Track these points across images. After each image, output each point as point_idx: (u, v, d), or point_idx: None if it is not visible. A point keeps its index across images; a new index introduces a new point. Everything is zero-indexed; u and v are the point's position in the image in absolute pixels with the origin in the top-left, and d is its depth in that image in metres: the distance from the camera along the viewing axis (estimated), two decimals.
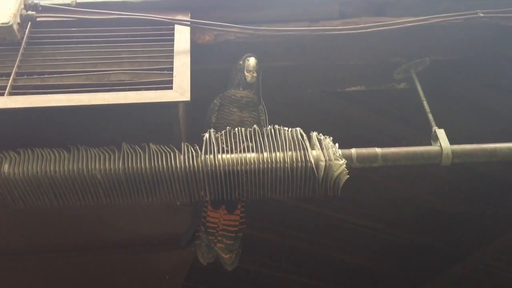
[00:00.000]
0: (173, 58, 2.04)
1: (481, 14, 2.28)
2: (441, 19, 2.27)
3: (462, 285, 4.47)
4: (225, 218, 2.31)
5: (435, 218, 3.88)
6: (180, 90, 1.90)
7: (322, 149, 1.98)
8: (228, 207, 2.29)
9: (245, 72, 2.24)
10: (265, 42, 2.28)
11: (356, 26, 2.26)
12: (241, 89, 2.26)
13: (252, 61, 2.23)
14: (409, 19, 2.27)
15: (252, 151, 1.98)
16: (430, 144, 2.23)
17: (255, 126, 2.06)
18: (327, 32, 2.24)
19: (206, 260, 2.33)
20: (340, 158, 1.97)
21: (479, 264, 4.17)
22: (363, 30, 2.23)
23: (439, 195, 3.64)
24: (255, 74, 2.24)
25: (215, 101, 2.27)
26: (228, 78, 2.32)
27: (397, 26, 2.25)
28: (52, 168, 1.88)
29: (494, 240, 3.82)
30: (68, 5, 2.20)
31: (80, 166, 1.89)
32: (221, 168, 1.94)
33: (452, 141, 2.17)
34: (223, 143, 2.00)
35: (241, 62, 2.26)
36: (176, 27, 2.17)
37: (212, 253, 2.32)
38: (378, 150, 2.08)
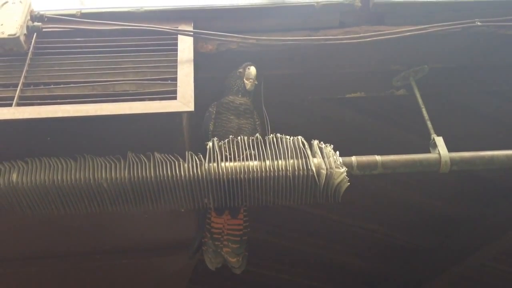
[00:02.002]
0: (176, 68, 2.07)
1: (478, 23, 2.31)
2: (439, 28, 2.30)
3: (461, 285, 4.51)
4: (229, 223, 2.36)
5: (435, 220, 3.91)
6: (184, 100, 1.93)
7: (323, 157, 2.02)
8: (231, 212, 2.34)
9: (244, 80, 2.29)
10: (267, 51, 2.32)
11: (356, 35, 2.29)
12: (240, 96, 2.30)
13: (253, 69, 2.28)
14: (408, 28, 2.31)
15: (255, 159, 2.01)
16: (429, 150, 2.27)
17: (257, 134, 2.09)
18: (327, 42, 2.27)
19: (214, 265, 2.37)
20: (341, 166, 2.00)
21: (478, 265, 4.21)
22: (363, 40, 2.26)
23: (438, 197, 3.67)
24: (256, 82, 2.29)
25: (210, 109, 2.31)
26: (224, 85, 2.36)
27: (396, 35, 2.28)
28: (59, 177, 1.92)
29: (492, 241, 3.85)
30: (73, 15, 2.23)
31: (86, 175, 1.92)
32: (224, 176, 1.97)
33: (450, 147, 2.21)
34: (226, 152, 2.03)
35: (241, 70, 2.31)
36: (180, 37, 2.19)
37: (219, 258, 2.36)
38: (378, 158, 2.11)
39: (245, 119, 2.28)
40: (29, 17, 2.11)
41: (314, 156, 2.03)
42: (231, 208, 2.27)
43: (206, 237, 2.37)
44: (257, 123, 2.33)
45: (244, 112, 2.28)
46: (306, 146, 2.05)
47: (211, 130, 2.27)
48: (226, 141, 2.06)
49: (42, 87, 2.01)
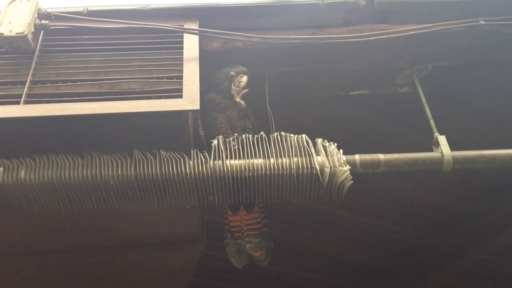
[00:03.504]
0: (182, 66, 2.07)
1: (482, 22, 2.31)
2: (443, 27, 2.31)
3: (463, 280, 4.54)
4: (246, 218, 2.39)
5: (438, 216, 3.94)
6: (189, 99, 1.94)
7: (327, 156, 2.03)
8: (246, 207, 2.37)
9: (232, 85, 2.29)
10: (272, 49, 2.32)
11: (361, 33, 2.30)
12: (221, 96, 2.31)
13: (245, 80, 2.28)
14: (412, 27, 2.31)
15: (259, 157, 2.02)
16: (432, 148, 2.28)
17: (262, 133, 2.09)
18: (332, 40, 2.28)
19: (240, 263, 2.41)
20: (344, 165, 2.02)
21: (479, 260, 4.24)
22: (367, 38, 2.27)
23: (440, 193, 3.69)
24: (245, 90, 2.28)
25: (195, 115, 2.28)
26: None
27: (400, 34, 2.29)
28: (66, 174, 1.94)
29: (494, 237, 3.88)
30: (80, 13, 2.25)
31: (93, 172, 1.94)
32: (229, 173, 1.99)
33: (453, 146, 2.22)
34: (231, 150, 2.04)
35: (232, 73, 2.30)
36: (185, 35, 2.20)
37: (244, 256, 2.41)
38: (381, 156, 2.12)
39: (228, 109, 2.30)
40: (36, 15, 2.12)
41: (318, 154, 2.04)
42: (245, 203, 2.28)
43: (227, 238, 2.41)
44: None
45: (224, 109, 2.30)
46: (310, 144, 2.06)
47: (203, 135, 2.29)
48: (231, 138, 2.08)
49: (49, 85, 2.02)
